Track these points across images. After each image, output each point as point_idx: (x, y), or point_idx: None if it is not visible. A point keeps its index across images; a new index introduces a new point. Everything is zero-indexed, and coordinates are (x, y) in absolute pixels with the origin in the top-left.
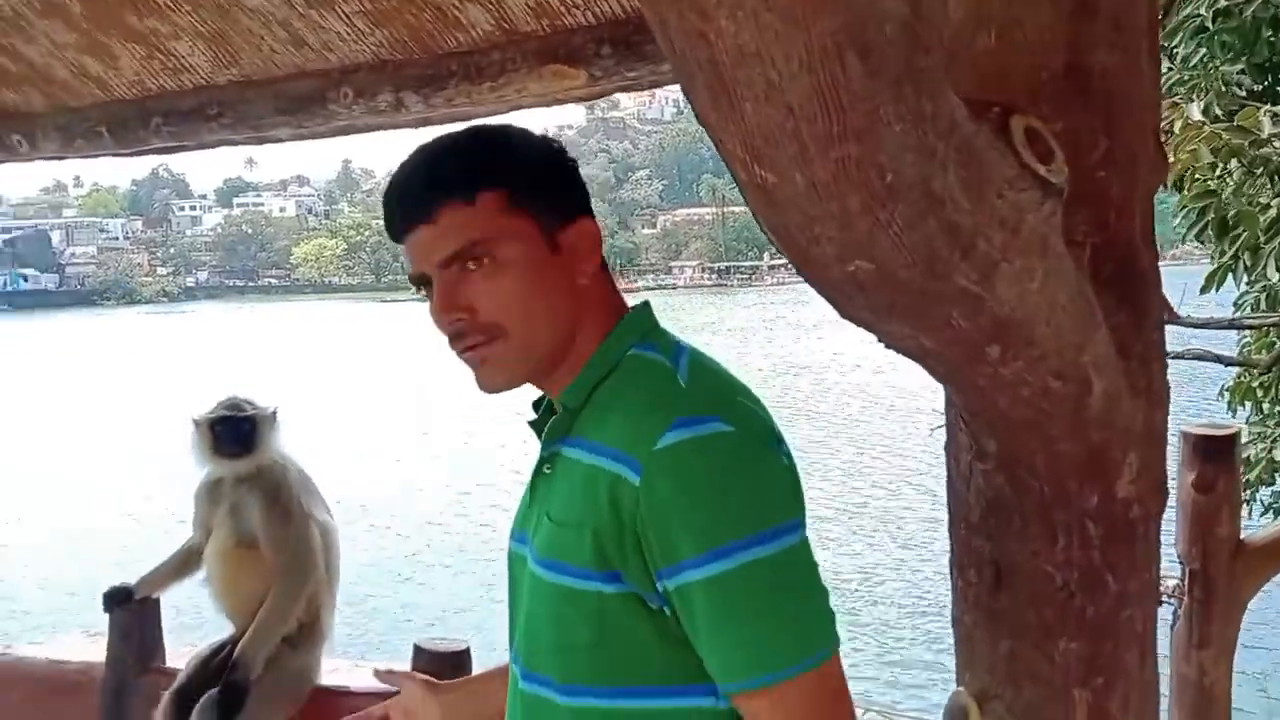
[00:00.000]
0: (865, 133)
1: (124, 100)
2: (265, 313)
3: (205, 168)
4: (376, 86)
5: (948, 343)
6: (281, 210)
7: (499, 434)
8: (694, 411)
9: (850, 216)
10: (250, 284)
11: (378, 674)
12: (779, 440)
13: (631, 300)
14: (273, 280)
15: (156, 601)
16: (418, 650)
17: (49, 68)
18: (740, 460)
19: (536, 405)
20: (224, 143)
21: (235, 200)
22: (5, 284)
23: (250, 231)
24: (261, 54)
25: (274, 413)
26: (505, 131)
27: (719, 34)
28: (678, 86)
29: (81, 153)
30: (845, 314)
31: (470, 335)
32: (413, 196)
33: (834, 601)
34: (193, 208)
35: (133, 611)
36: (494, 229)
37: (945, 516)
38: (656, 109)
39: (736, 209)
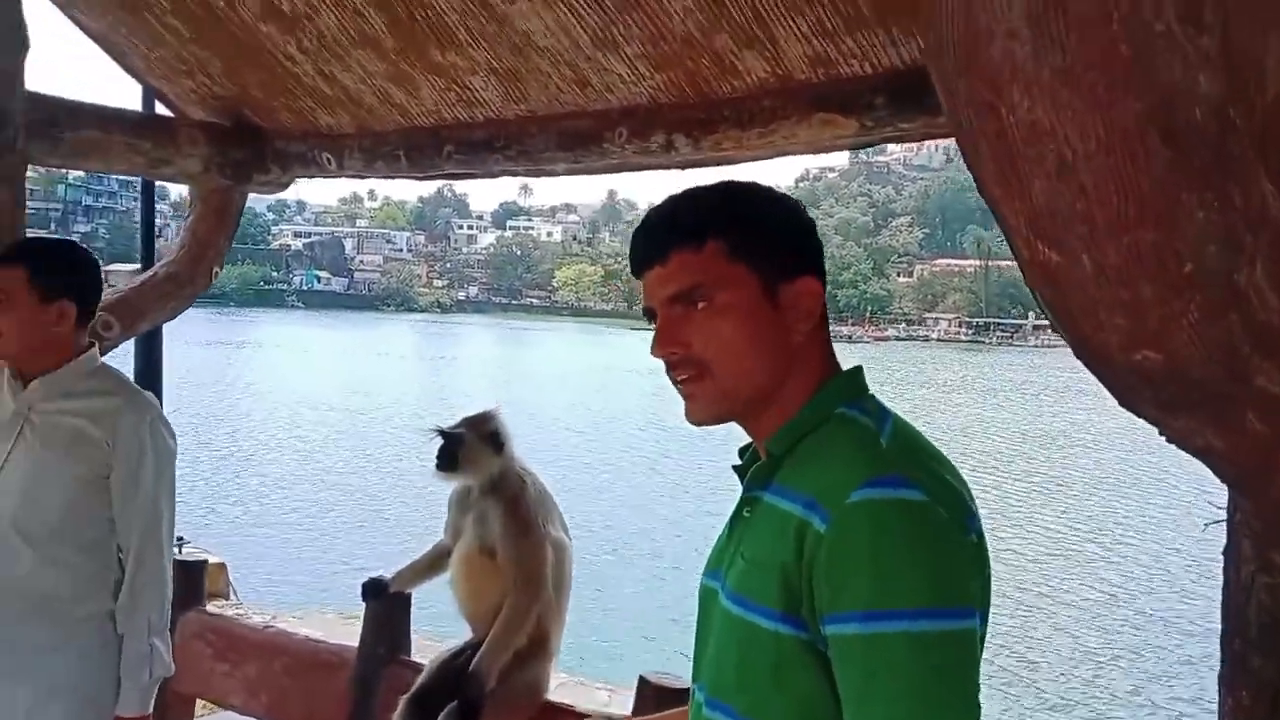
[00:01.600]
0: (1164, 219)
1: (422, 128)
2: (525, 330)
3: (484, 190)
4: (650, 128)
5: (1241, 446)
6: (549, 235)
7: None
8: (890, 472)
9: (1141, 305)
10: (513, 302)
11: None
12: (971, 519)
13: (870, 351)
14: (534, 300)
15: (408, 597)
16: (642, 682)
17: (359, 94)
18: (926, 530)
19: (742, 451)
20: (506, 173)
21: (508, 223)
22: (302, 283)
23: (519, 253)
24: (548, 92)
25: (494, 431)
26: (746, 187)
27: (1011, 108)
28: (951, 140)
29: (380, 174)
30: (1126, 404)
31: (681, 368)
32: (652, 238)
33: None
34: (470, 227)
35: (386, 604)
36: (716, 275)
37: (1207, 626)
38: (925, 155)
39: (1002, 263)
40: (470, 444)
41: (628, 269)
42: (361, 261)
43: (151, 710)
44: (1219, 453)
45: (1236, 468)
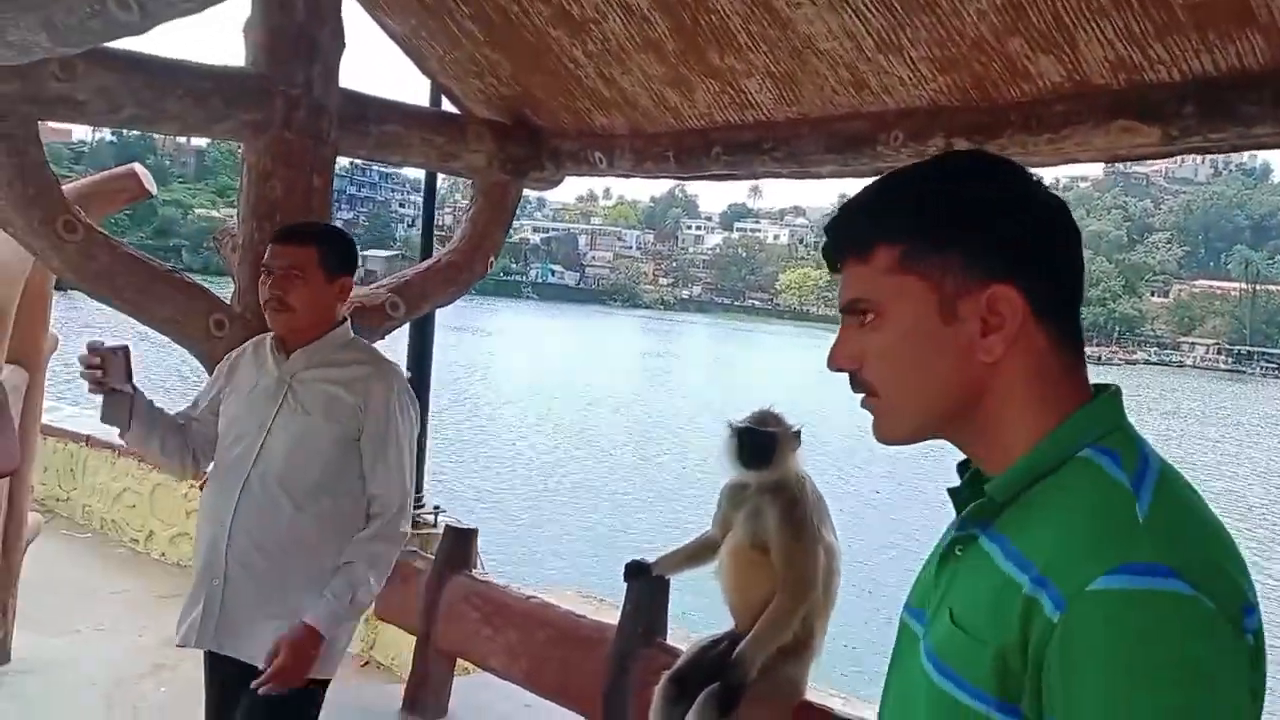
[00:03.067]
0: None
1: (692, 129)
2: (746, 331)
3: (714, 191)
4: (928, 132)
5: None
6: (775, 238)
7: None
8: (1147, 558)
9: None
10: (736, 303)
11: None
12: (1250, 613)
13: (1109, 374)
14: (756, 302)
15: (667, 582)
16: None
17: (635, 96)
18: (1192, 634)
19: (961, 469)
20: (771, 175)
21: (736, 224)
22: (537, 276)
23: (744, 255)
24: (823, 94)
25: (797, 432)
26: (945, 172)
27: None
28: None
29: (648, 173)
30: None
31: (854, 385)
32: (832, 242)
33: None
34: (698, 227)
35: (646, 587)
36: (879, 289)
37: None
38: (1189, 168)
39: (1271, 287)
40: (784, 441)
41: None
42: (593, 257)
43: (334, 646)
44: None
45: None
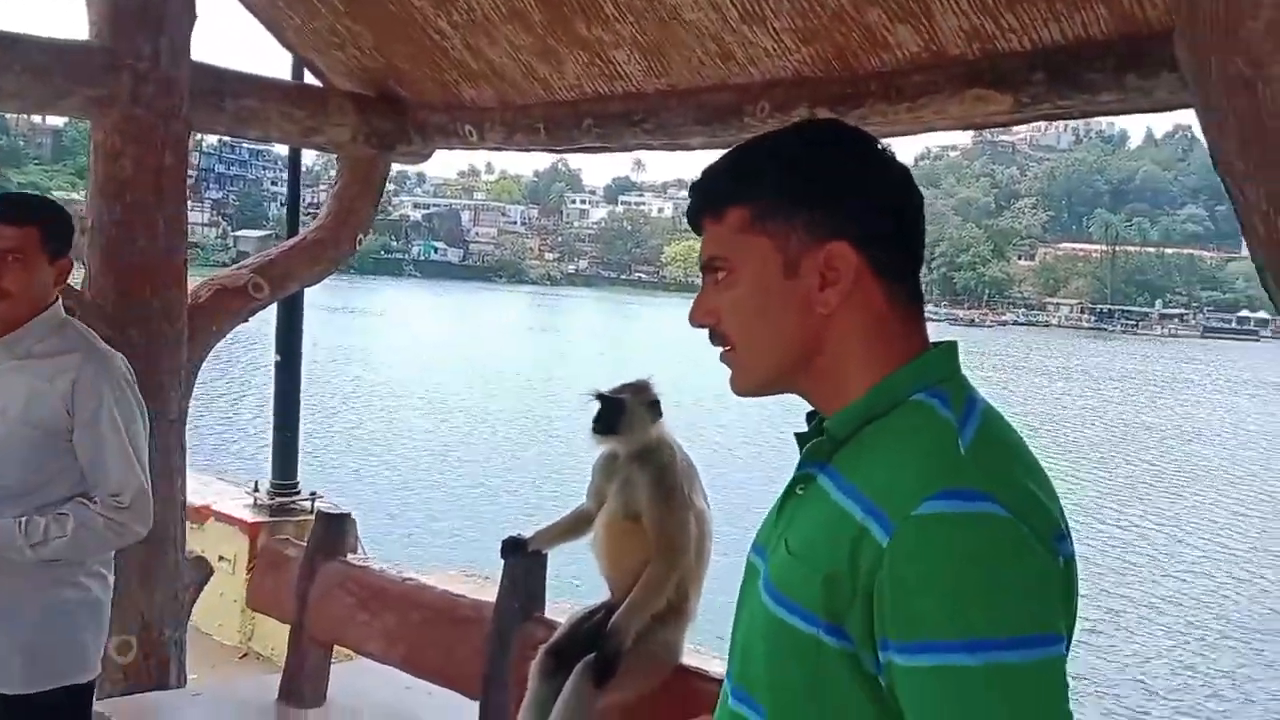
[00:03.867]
0: None
1: (562, 101)
2: (631, 305)
3: (598, 166)
4: (793, 102)
5: None
6: (660, 211)
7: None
8: (967, 484)
9: None
10: (622, 276)
11: None
12: (1061, 537)
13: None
14: (643, 275)
15: (545, 557)
16: None
17: (504, 67)
18: (1007, 551)
19: (810, 418)
20: (642, 146)
21: (620, 198)
22: (419, 253)
23: (629, 228)
24: (690, 65)
25: (652, 401)
26: (792, 140)
27: (1268, 82)
28: (1104, 118)
29: (519, 146)
30: None
31: (713, 339)
32: (691, 204)
33: None
34: (583, 201)
35: (523, 562)
36: (731, 247)
37: None
38: (1052, 136)
39: (1130, 249)
40: (632, 409)
41: None
42: (476, 234)
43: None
44: None
45: None
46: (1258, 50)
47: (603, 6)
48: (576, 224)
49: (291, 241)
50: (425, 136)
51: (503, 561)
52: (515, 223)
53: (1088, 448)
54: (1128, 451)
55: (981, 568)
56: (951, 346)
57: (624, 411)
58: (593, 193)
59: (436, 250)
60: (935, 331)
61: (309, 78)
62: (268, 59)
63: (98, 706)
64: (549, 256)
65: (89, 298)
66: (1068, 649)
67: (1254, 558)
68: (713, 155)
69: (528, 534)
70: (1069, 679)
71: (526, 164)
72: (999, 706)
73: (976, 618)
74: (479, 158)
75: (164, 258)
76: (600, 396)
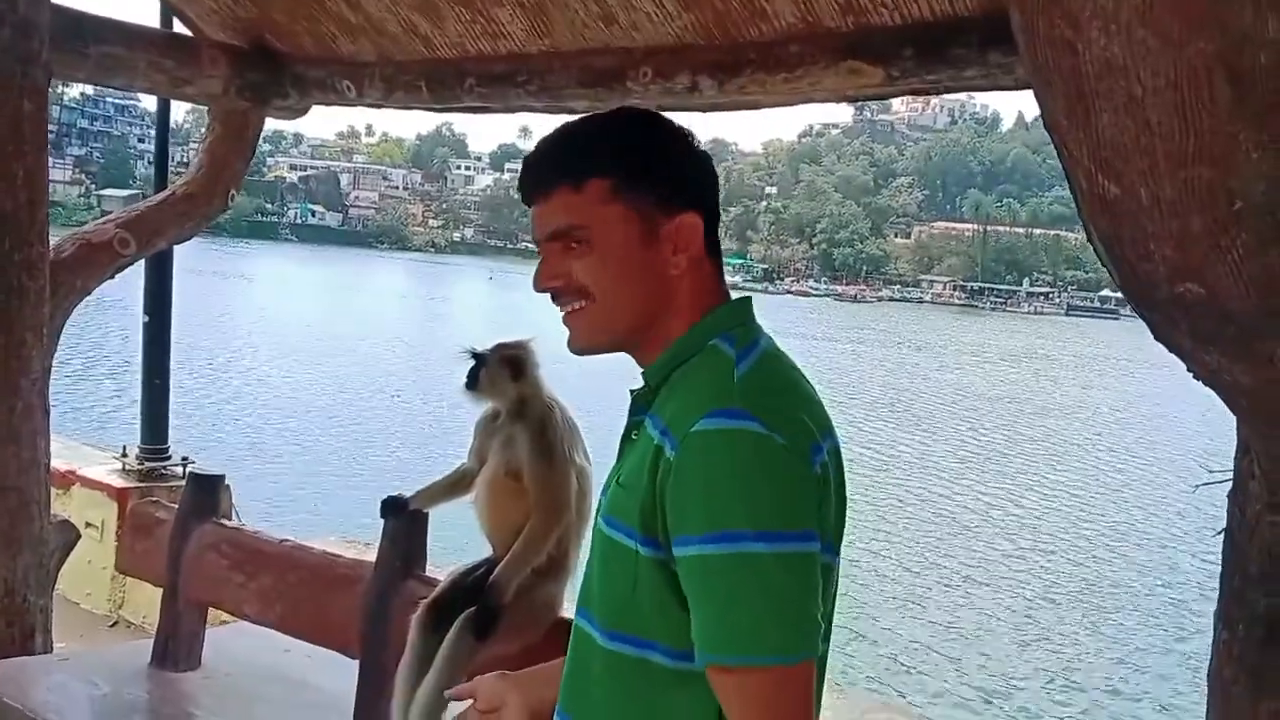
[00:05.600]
0: (1221, 157)
1: (444, 59)
2: (517, 274)
3: (483, 131)
4: (675, 69)
5: (1266, 381)
6: None
7: None
8: (732, 405)
9: (1190, 238)
10: (508, 245)
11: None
12: (816, 451)
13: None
14: (529, 244)
15: (426, 515)
16: None
17: (383, 22)
18: (762, 460)
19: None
20: (525, 108)
21: (506, 165)
22: (296, 217)
23: (516, 196)
24: (574, 27)
25: (511, 357)
26: (638, 119)
27: (1088, 44)
28: (968, 95)
29: (399, 104)
30: (1161, 337)
31: (563, 298)
32: (536, 174)
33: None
34: (468, 168)
35: (404, 521)
36: (594, 215)
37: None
38: (929, 116)
39: (1001, 228)
40: (491, 367)
41: None
42: (357, 198)
43: None
44: (1244, 389)
45: (1258, 405)
46: (1076, 13)
47: None
48: (462, 190)
49: (160, 196)
50: (301, 91)
51: (382, 524)
52: (398, 187)
53: (945, 419)
54: (982, 423)
55: (737, 473)
56: (747, 299)
57: (481, 366)
58: (479, 159)
59: (314, 214)
60: (818, 306)
61: (179, 27)
62: (133, 5)
63: None
64: (433, 224)
65: None
66: (833, 553)
67: (1070, 527)
68: None
69: (409, 494)
70: (819, 578)
71: (409, 126)
72: (746, 588)
73: (732, 514)
74: (359, 119)
75: (24, 209)
76: (472, 354)
